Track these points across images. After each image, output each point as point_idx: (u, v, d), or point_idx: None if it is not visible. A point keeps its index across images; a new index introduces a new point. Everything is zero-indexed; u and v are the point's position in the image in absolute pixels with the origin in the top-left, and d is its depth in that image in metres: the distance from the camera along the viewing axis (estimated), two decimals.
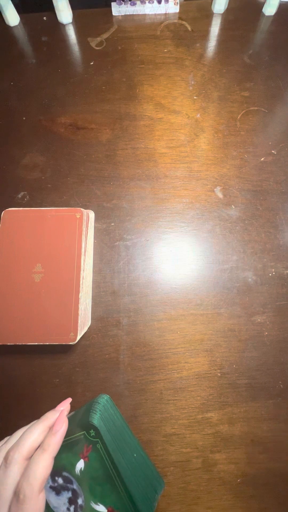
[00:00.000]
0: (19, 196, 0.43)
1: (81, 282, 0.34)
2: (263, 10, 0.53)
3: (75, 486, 0.27)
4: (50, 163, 0.44)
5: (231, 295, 0.39)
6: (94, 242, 0.41)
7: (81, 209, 0.37)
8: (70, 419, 0.29)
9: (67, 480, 0.28)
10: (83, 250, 0.36)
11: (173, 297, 0.39)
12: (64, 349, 0.37)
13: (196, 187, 0.43)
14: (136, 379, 0.36)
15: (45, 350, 0.37)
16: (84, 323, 0.36)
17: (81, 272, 0.35)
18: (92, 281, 0.39)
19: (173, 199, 0.43)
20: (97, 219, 0.42)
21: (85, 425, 0.27)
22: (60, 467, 0.28)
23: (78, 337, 0.33)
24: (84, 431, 0.27)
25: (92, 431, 0.27)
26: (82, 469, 0.28)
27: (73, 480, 0.27)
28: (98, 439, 0.27)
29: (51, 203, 0.42)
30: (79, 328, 0.33)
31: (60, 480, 0.28)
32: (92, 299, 0.39)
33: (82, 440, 0.28)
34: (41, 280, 0.35)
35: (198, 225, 0.41)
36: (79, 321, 0.33)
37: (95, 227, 0.41)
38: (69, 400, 0.30)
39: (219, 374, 0.36)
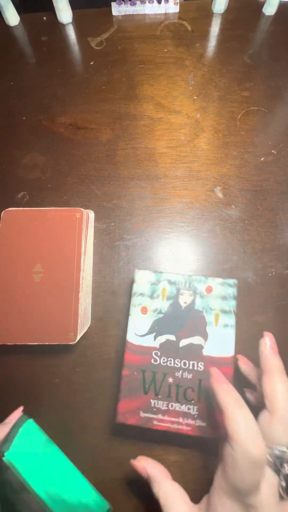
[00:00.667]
0: (19, 196, 0.43)
1: (81, 282, 0.34)
2: (263, 10, 0.53)
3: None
4: (50, 163, 0.44)
5: None
6: (94, 242, 0.41)
7: (81, 209, 0.37)
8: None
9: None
10: (83, 250, 0.36)
11: None
12: (64, 349, 0.37)
13: (196, 187, 0.43)
14: None
15: (45, 350, 0.37)
16: (84, 323, 0.36)
17: (81, 272, 0.35)
18: (92, 281, 0.39)
19: (173, 199, 0.43)
20: (97, 219, 0.42)
21: (1, 451, 0.27)
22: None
23: (78, 337, 0.33)
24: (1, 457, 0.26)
25: (6, 458, 0.26)
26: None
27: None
28: (12, 468, 0.26)
29: (51, 203, 0.42)
30: (79, 328, 0.33)
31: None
32: (92, 299, 0.39)
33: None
34: (41, 280, 0.35)
35: (198, 225, 0.41)
36: (79, 321, 0.33)
37: (95, 227, 0.41)
38: (20, 408, 0.31)
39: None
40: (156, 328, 0.32)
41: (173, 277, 0.34)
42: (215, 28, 0.52)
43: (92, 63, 0.50)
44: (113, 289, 0.39)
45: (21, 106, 0.48)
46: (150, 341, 0.32)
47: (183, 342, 0.32)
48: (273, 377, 0.26)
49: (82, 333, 0.35)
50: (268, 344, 0.28)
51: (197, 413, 0.30)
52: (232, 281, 0.34)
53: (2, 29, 0.53)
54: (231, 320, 0.33)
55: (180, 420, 0.30)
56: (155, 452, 0.34)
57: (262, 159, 0.44)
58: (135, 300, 0.33)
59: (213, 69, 0.49)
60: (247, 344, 0.37)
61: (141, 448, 0.34)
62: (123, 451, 0.34)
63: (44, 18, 0.54)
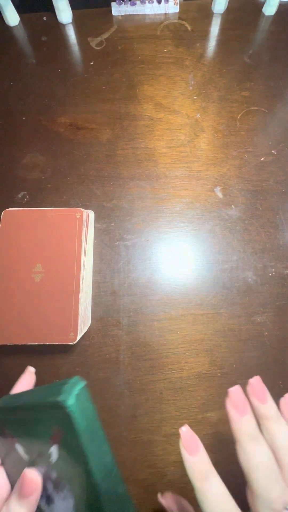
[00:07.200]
0: (19, 196, 0.43)
1: (81, 282, 0.34)
2: (263, 10, 0.53)
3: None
4: (50, 163, 0.44)
5: (231, 295, 0.39)
6: (94, 242, 0.41)
7: (81, 209, 0.37)
8: (37, 394, 0.25)
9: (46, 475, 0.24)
10: (83, 250, 0.36)
11: (173, 297, 0.39)
12: (64, 349, 0.37)
13: (196, 187, 0.43)
14: (136, 379, 0.36)
15: (45, 350, 0.37)
16: (84, 323, 0.36)
17: (81, 272, 0.35)
18: (92, 281, 0.39)
19: (173, 199, 0.43)
20: (97, 219, 0.42)
21: (47, 401, 0.23)
22: (36, 452, 0.24)
23: (78, 337, 0.33)
24: (55, 411, 0.23)
25: (57, 410, 0.23)
26: (57, 458, 0.23)
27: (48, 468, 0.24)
28: (70, 423, 0.23)
29: (51, 203, 0.42)
30: (79, 328, 0.33)
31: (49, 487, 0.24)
32: (92, 299, 0.39)
33: (48, 420, 0.23)
34: (41, 280, 0.35)
35: (198, 225, 0.41)
36: (79, 321, 0.33)
37: (95, 227, 0.41)
38: (30, 369, 0.30)
39: (219, 374, 0.36)
40: None
41: None
42: (215, 28, 0.52)
43: (92, 63, 0.50)
44: (113, 289, 0.39)
45: (21, 106, 0.48)
46: None
47: None
48: (241, 444, 0.21)
49: (82, 333, 0.35)
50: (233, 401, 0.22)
51: None
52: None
53: (2, 29, 0.53)
54: None
55: None
56: (154, 452, 0.34)
57: (262, 159, 0.44)
58: None
59: (213, 69, 0.49)
60: (247, 344, 0.37)
61: (139, 445, 0.34)
62: (118, 452, 0.34)
63: (44, 18, 0.54)
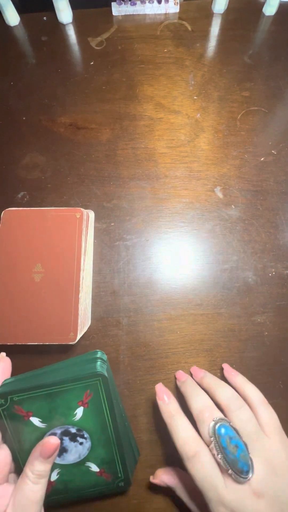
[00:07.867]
0: (19, 196, 0.43)
1: (81, 282, 0.34)
2: (263, 10, 0.53)
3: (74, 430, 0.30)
4: (50, 163, 0.44)
5: (231, 295, 0.39)
6: (94, 242, 0.41)
7: (81, 209, 0.37)
8: (64, 367, 0.30)
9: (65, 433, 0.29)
10: (83, 250, 0.36)
11: (173, 297, 0.39)
12: (64, 349, 0.37)
13: (196, 187, 0.43)
14: (136, 379, 0.36)
15: (45, 350, 0.37)
16: (84, 323, 0.36)
17: (81, 272, 0.35)
18: (92, 281, 0.39)
19: (173, 199, 0.43)
20: (97, 219, 0.42)
21: (87, 374, 0.29)
22: (57, 418, 0.29)
23: (78, 337, 0.33)
24: (86, 379, 0.28)
25: (94, 379, 0.28)
26: (81, 416, 0.29)
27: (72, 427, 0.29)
28: (101, 387, 0.29)
29: (51, 203, 0.42)
30: (79, 328, 0.33)
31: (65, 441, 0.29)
32: (92, 299, 0.39)
33: (81, 388, 0.29)
34: (41, 280, 0.35)
35: (198, 225, 0.41)
36: (79, 321, 0.33)
37: (95, 227, 0.41)
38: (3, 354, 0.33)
39: (219, 374, 0.36)
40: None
41: None
42: (215, 28, 0.52)
43: (92, 63, 0.50)
44: (113, 289, 0.39)
45: (21, 106, 0.48)
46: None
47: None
48: (185, 395, 0.32)
49: (82, 333, 0.35)
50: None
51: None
52: None
53: (2, 29, 0.53)
54: None
55: None
56: (154, 452, 0.34)
57: (262, 159, 0.44)
58: None
59: (213, 69, 0.49)
60: (247, 344, 0.37)
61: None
62: None
63: (44, 18, 0.54)
